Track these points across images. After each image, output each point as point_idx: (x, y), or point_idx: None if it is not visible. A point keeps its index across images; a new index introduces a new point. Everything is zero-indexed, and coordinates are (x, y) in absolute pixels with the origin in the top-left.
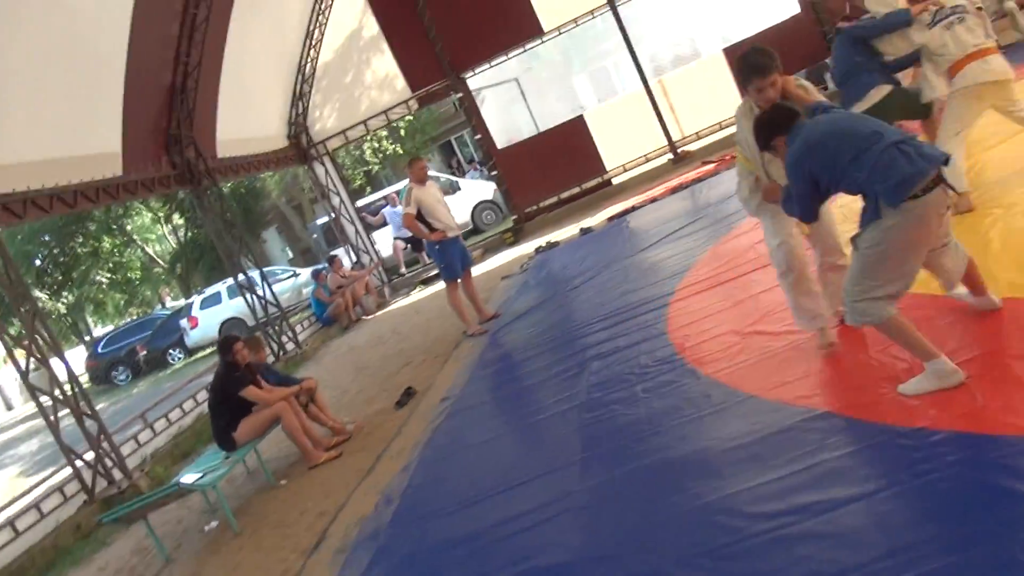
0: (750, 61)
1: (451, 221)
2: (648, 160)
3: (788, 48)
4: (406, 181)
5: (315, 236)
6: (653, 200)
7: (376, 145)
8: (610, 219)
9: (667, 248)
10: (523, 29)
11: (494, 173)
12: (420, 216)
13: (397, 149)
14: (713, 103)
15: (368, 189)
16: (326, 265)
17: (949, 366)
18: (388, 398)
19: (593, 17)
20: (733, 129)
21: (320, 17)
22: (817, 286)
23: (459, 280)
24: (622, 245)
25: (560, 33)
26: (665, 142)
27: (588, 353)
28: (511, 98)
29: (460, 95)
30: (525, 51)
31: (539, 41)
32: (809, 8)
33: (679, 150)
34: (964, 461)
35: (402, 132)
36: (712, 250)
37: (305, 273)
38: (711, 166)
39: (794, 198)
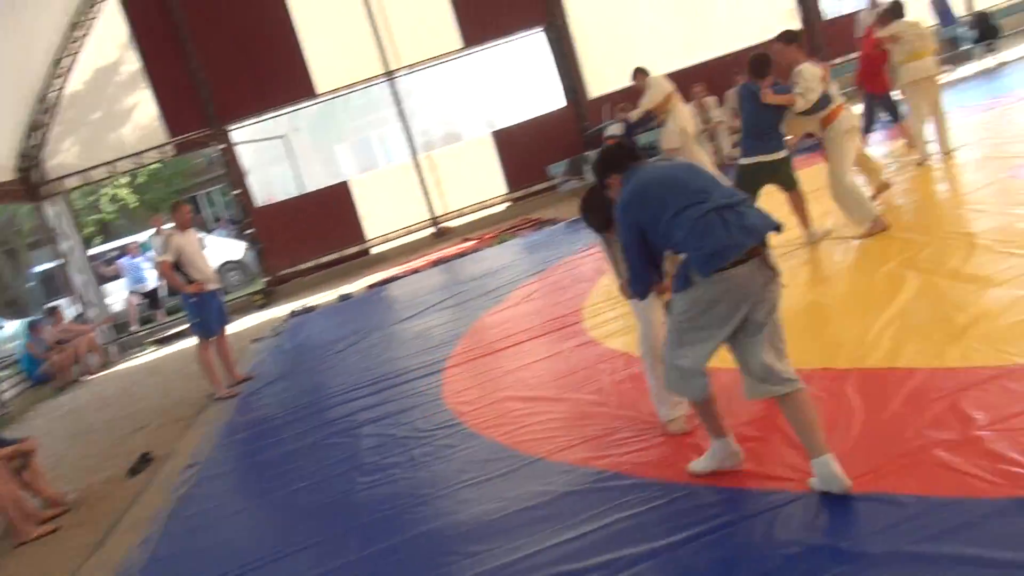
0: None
1: (211, 273)
2: (409, 232)
3: (551, 138)
4: (146, 233)
5: (30, 284)
6: (415, 271)
7: (114, 193)
8: (371, 287)
9: (433, 317)
10: (297, 87)
11: (247, 232)
12: (177, 266)
13: (135, 199)
14: (477, 182)
15: (99, 239)
16: (43, 316)
17: (732, 447)
18: (117, 465)
19: (369, 85)
20: (495, 209)
21: (74, 44)
22: None
23: (212, 338)
24: (385, 312)
25: (334, 97)
26: (428, 216)
27: (359, 417)
28: (273, 157)
29: (222, 146)
30: (295, 111)
31: (312, 102)
32: (572, 104)
33: (440, 225)
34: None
35: (141, 179)
36: (481, 320)
37: (10, 325)
38: (472, 243)
39: (624, 256)
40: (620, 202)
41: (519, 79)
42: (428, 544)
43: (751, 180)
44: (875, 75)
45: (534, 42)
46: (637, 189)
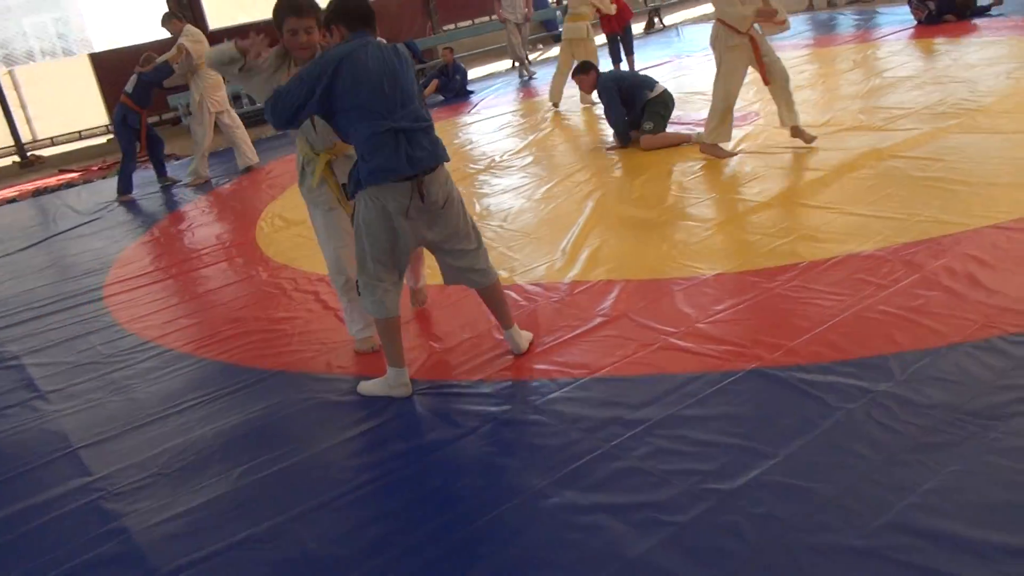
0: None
1: None
2: None
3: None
4: None
5: None
6: (10, 201)
7: None
8: None
9: (59, 246)
10: None
11: None
12: None
13: None
14: (77, 109)
15: None
16: None
17: (404, 379)
18: None
19: None
20: (95, 140)
21: None
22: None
23: None
24: None
25: None
26: (12, 143)
27: (10, 349)
28: None
29: None
30: None
31: None
32: None
33: (29, 154)
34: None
35: None
36: (132, 249)
37: None
38: (75, 175)
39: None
40: (331, 56)
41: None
42: (180, 466)
43: None
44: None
45: None
46: (351, 66)
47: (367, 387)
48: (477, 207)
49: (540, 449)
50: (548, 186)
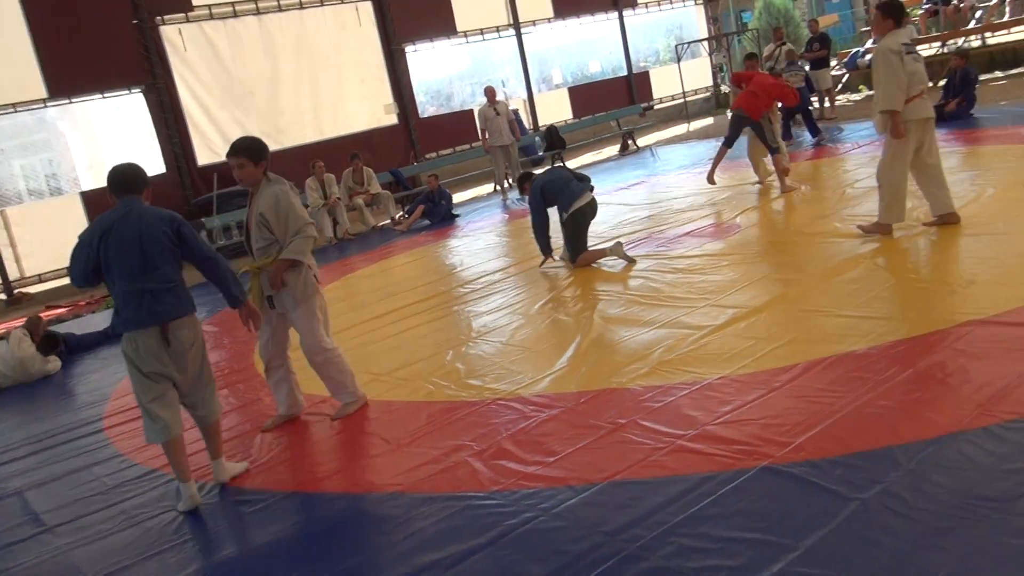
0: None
1: None
2: None
3: (152, 203)
4: None
5: None
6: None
7: None
8: None
9: (54, 380)
10: None
11: None
12: None
13: None
14: (66, 246)
15: None
16: None
17: (190, 491)
18: None
19: None
20: None
21: None
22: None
23: None
24: None
25: None
26: None
27: (12, 484)
28: None
29: None
30: None
31: None
32: (176, 170)
33: (16, 291)
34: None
35: None
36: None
37: None
38: (62, 310)
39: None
40: (97, 227)
41: (114, 139)
42: None
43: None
44: None
45: (133, 103)
46: (109, 239)
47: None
48: (474, 325)
49: (566, 554)
50: (542, 302)
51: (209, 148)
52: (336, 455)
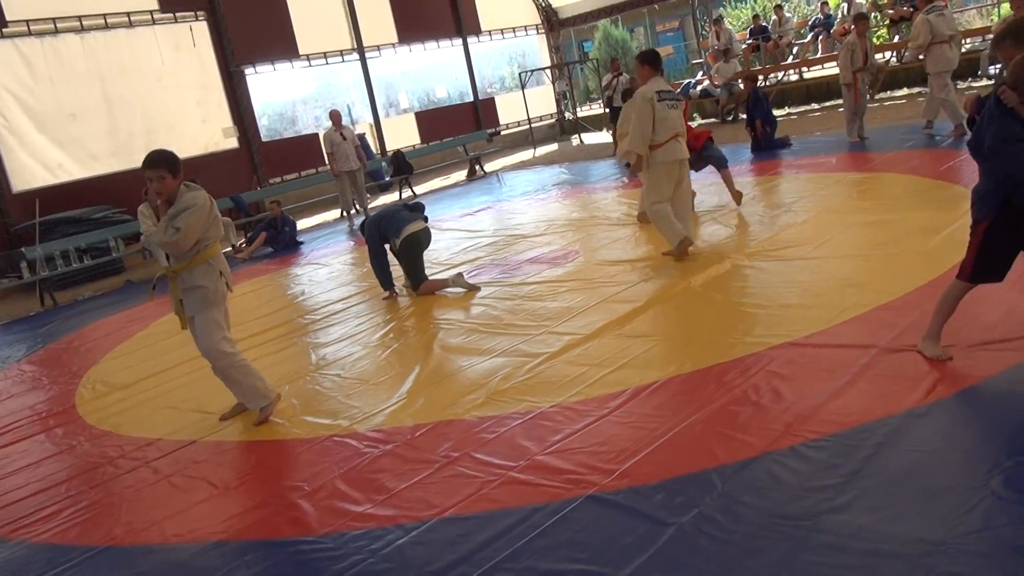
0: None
1: None
2: None
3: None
4: None
5: None
6: None
7: None
8: None
9: None
10: None
11: None
12: None
13: None
14: None
15: None
16: None
17: None
18: None
19: None
20: None
21: None
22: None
23: None
24: None
25: None
26: None
27: None
28: None
29: None
30: None
31: None
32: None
33: None
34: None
35: None
36: None
37: None
38: None
39: None
40: None
41: None
42: None
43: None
44: None
45: None
46: None
47: None
48: (313, 357)
49: None
50: (382, 332)
51: (27, 173)
52: (158, 502)
